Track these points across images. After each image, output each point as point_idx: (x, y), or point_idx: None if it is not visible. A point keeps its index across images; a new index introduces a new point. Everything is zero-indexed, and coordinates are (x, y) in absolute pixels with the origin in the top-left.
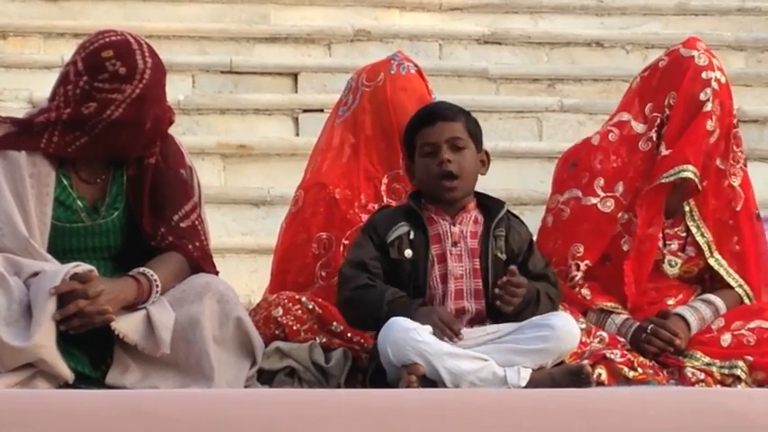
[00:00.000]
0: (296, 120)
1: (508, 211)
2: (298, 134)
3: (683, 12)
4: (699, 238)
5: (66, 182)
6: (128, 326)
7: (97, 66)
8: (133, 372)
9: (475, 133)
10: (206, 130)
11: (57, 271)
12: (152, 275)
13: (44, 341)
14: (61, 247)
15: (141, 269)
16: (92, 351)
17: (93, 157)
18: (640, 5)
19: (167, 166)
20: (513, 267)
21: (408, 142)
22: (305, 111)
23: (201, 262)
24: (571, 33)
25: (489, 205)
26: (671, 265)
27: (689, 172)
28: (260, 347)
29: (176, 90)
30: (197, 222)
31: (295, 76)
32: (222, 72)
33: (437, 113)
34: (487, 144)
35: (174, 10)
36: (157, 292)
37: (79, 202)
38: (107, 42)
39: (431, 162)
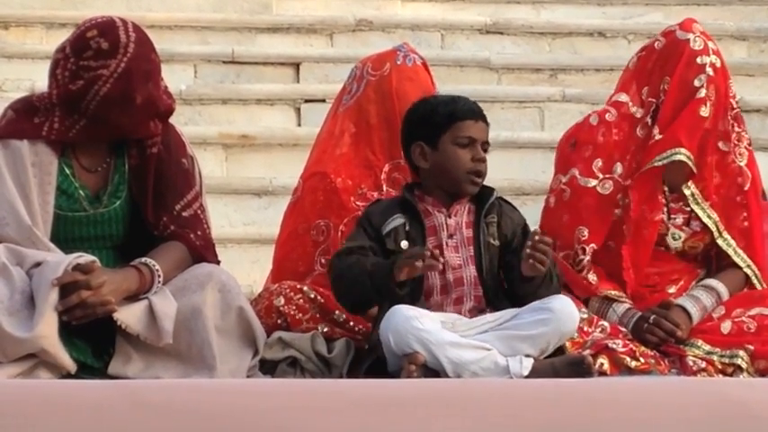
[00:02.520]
0: (298, 110)
1: (500, 198)
2: (300, 124)
3: (685, 1)
4: (706, 220)
5: (68, 170)
6: (130, 316)
7: (82, 45)
8: (135, 362)
9: None
10: (208, 120)
11: (59, 261)
12: (154, 265)
13: (46, 332)
14: (63, 236)
15: (143, 259)
16: (94, 341)
17: (95, 139)
18: None
19: (169, 156)
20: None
21: (436, 126)
22: (307, 101)
23: (203, 251)
24: (573, 23)
25: (480, 193)
26: (674, 239)
27: (681, 155)
28: (262, 337)
29: (178, 80)
30: (199, 212)
31: (297, 66)
32: (224, 62)
33: (480, 113)
34: (489, 134)
35: (176, 0)
36: (159, 282)
37: (81, 191)
38: (92, 24)
39: (465, 154)
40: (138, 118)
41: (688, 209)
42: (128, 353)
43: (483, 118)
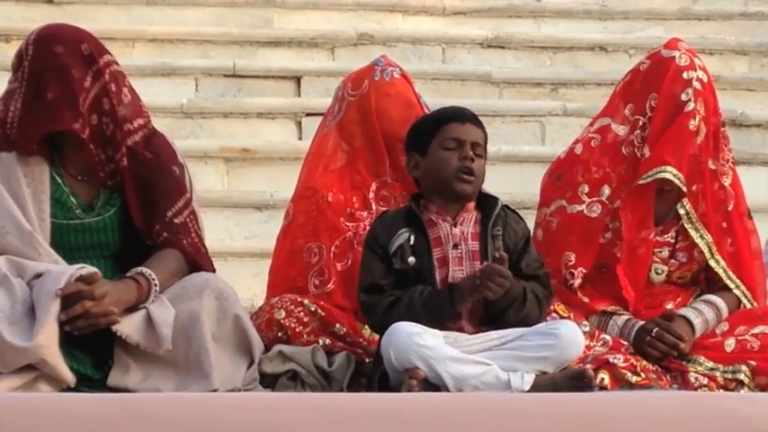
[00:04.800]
0: (299, 123)
1: (505, 207)
2: (301, 138)
3: (686, 16)
4: (699, 241)
5: (59, 179)
6: (129, 326)
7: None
8: (134, 372)
9: (486, 146)
10: (209, 133)
11: (61, 272)
12: (150, 275)
13: (47, 341)
14: (60, 245)
15: (139, 269)
16: (94, 352)
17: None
18: (643, 10)
19: (159, 164)
20: (502, 253)
21: (424, 134)
22: (308, 114)
23: (197, 258)
24: (574, 37)
25: (485, 203)
26: (657, 273)
27: (667, 173)
28: (258, 345)
29: (179, 94)
30: (188, 219)
31: (298, 79)
32: (225, 76)
33: (467, 115)
34: (490, 148)
35: (178, 14)
36: (156, 291)
37: (73, 199)
38: None
39: (452, 156)
40: (57, 114)
41: (672, 240)
42: (126, 363)
43: (472, 120)
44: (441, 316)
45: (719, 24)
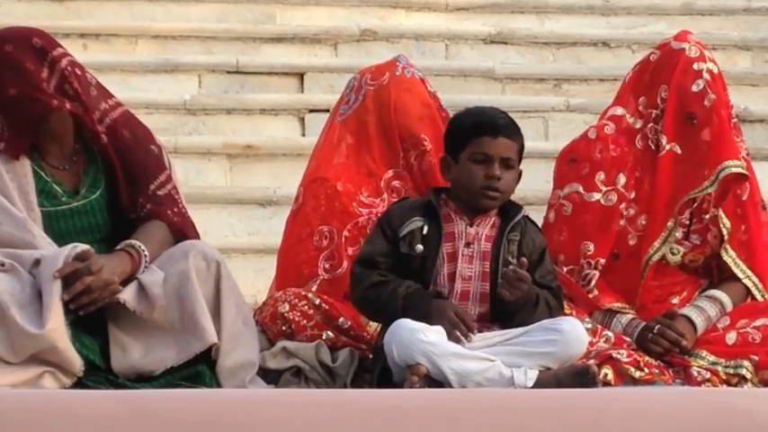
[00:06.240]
0: (302, 120)
1: (526, 217)
2: (304, 134)
3: (689, 11)
4: (721, 226)
5: (41, 172)
6: (125, 295)
7: None
8: (134, 347)
9: (522, 154)
10: (212, 130)
11: (56, 255)
12: (140, 246)
13: (56, 324)
14: (52, 233)
15: (129, 241)
16: (97, 336)
17: (24, 140)
18: (646, 5)
19: (137, 143)
20: (523, 259)
21: (457, 138)
22: (311, 111)
23: (182, 227)
24: (577, 33)
25: (508, 208)
26: (673, 253)
27: (736, 167)
28: (230, 298)
29: (182, 90)
30: (173, 192)
31: (301, 76)
32: (228, 72)
33: (501, 126)
34: None
35: (181, 10)
36: (147, 261)
37: (57, 187)
38: None
39: (479, 170)
40: (28, 104)
41: (687, 222)
42: (122, 341)
43: (505, 132)
44: (416, 315)
45: (722, 20)
